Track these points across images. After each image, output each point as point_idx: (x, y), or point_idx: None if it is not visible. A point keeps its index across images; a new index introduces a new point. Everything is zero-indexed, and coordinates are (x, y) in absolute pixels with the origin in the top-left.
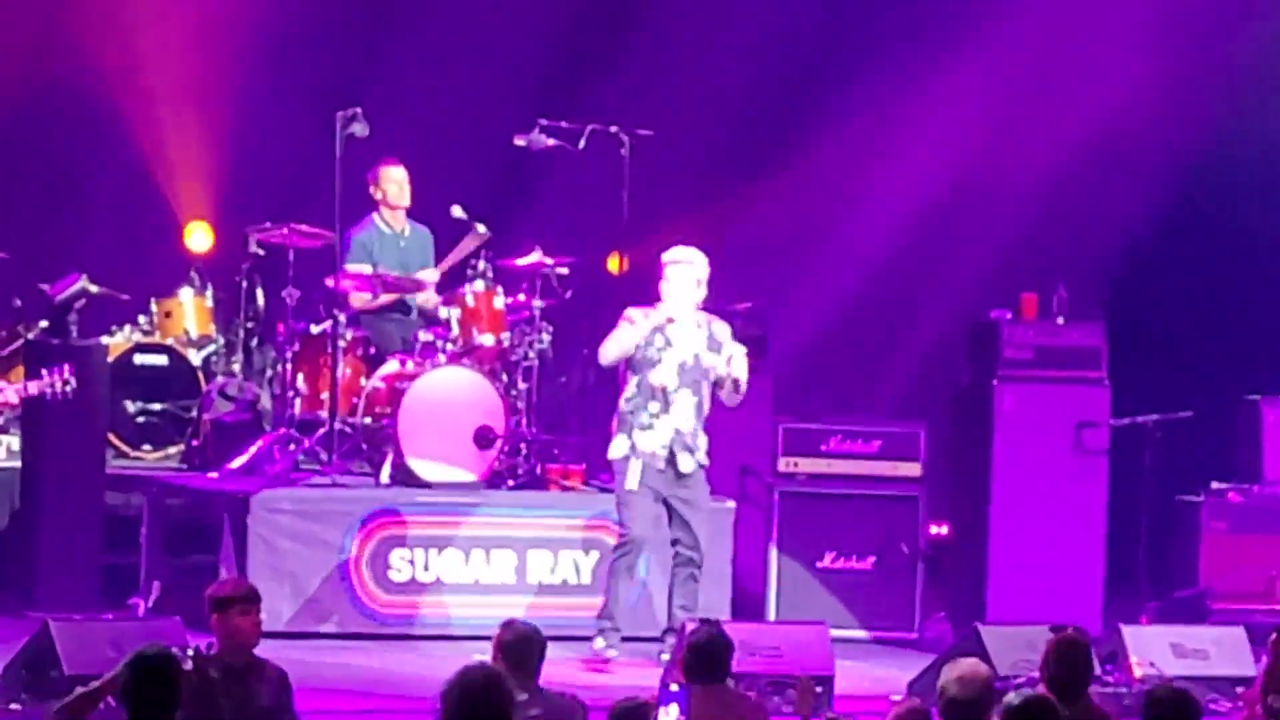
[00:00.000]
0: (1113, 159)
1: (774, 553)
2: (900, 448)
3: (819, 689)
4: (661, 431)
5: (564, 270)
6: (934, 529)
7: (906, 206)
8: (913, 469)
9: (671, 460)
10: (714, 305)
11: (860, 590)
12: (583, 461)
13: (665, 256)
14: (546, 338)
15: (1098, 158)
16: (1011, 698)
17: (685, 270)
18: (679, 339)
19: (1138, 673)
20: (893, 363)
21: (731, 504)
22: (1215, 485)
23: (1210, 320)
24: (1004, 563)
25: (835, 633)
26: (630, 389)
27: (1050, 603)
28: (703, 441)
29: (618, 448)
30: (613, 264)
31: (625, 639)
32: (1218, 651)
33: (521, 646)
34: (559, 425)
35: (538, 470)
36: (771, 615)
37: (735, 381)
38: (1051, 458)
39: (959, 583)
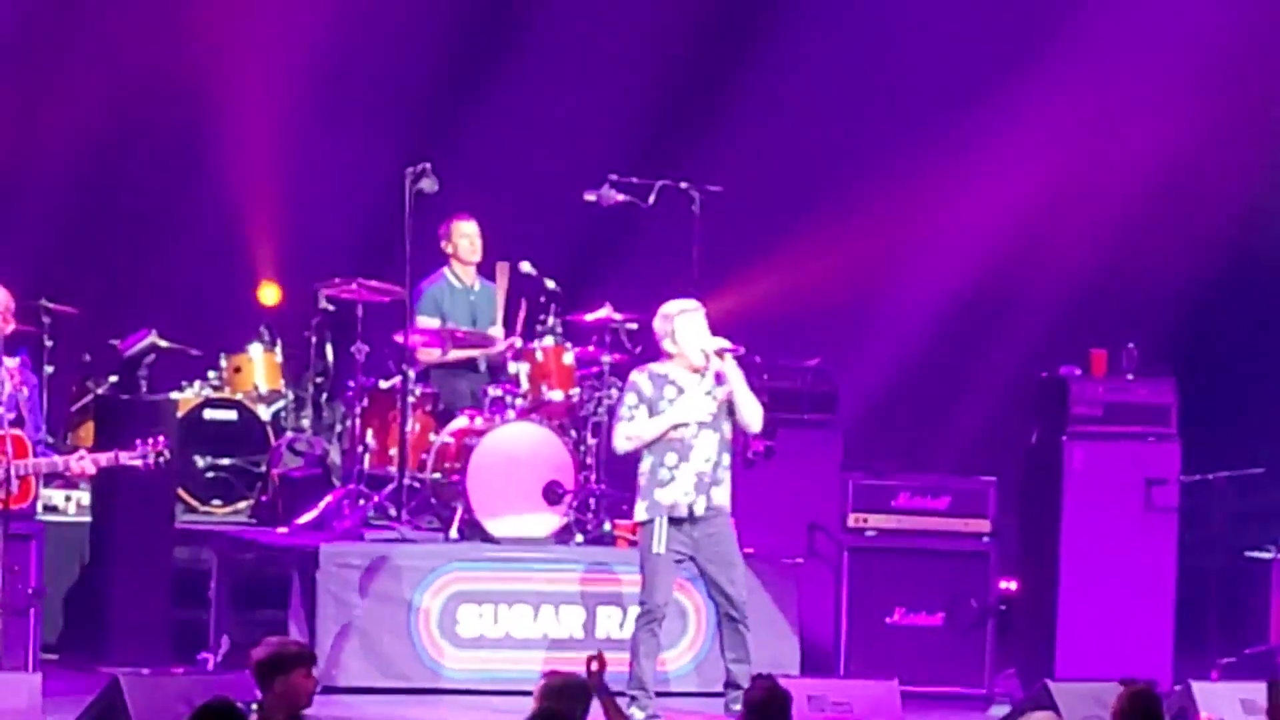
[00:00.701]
0: (1179, 210)
1: (844, 608)
2: (970, 504)
3: None
4: (682, 481)
5: (634, 326)
6: (1004, 585)
7: (973, 260)
8: (982, 525)
9: (691, 508)
10: (783, 362)
11: (930, 646)
12: None
13: (671, 309)
14: (615, 393)
15: (1164, 209)
16: None
17: (699, 317)
18: (690, 385)
19: None
20: (961, 419)
21: (799, 560)
22: None
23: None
24: (1073, 619)
25: (905, 688)
26: (645, 451)
27: (1120, 659)
28: (725, 478)
29: (639, 511)
30: None
31: (692, 694)
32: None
33: (564, 697)
34: (628, 481)
35: (607, 526)
36: (841, 671)
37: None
38: (1121, 514)
39: (1029, 639)
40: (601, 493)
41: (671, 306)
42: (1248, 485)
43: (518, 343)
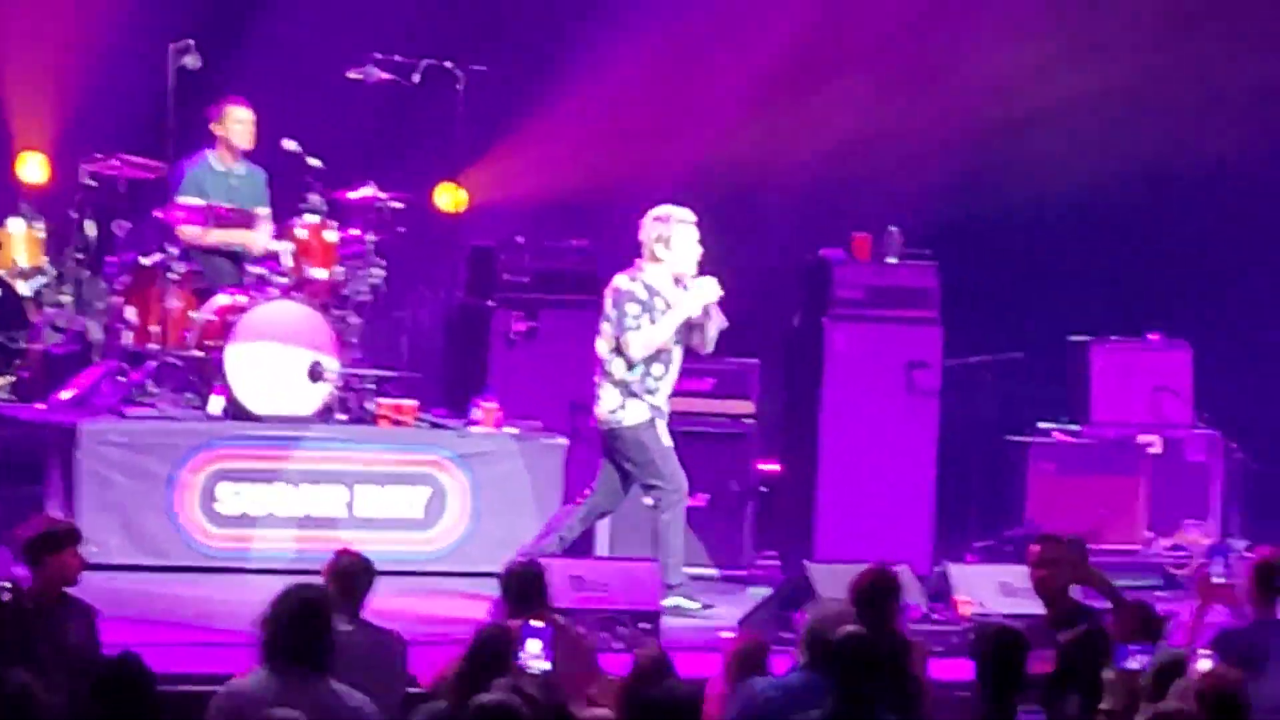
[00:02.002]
0: (938, 95)
1: None
2: (732, 386)
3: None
4: (665, 389)
5: (398, 205)
6: (765, 467)
7: (736, 140)
8: (745, 406)
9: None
10: (546, 242)
11: (691, 528)
12: (414, 398)
13: (675, 214)
14: (380, 273)
15: (922, 94)
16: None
17: (693, 230)
18: (677, 299)
19: (964, 611)
20: (726, 302)
21: (564, 440)
22: (1043, 426)
23: (1041, 262)
24: (833, 501)
25: None
26: (622, 357)
27: (879, 541)
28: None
29: (636, 413)
30: (446, 198)
31: (453, 574)
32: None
33: (351, 576)
34: (391, 361)
35: (369, 405)
36: (602, 551)
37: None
38: (882, 397)
39: (789, 521)
40: (364, 372)
41: (672, 211)
42: (1007, 370)
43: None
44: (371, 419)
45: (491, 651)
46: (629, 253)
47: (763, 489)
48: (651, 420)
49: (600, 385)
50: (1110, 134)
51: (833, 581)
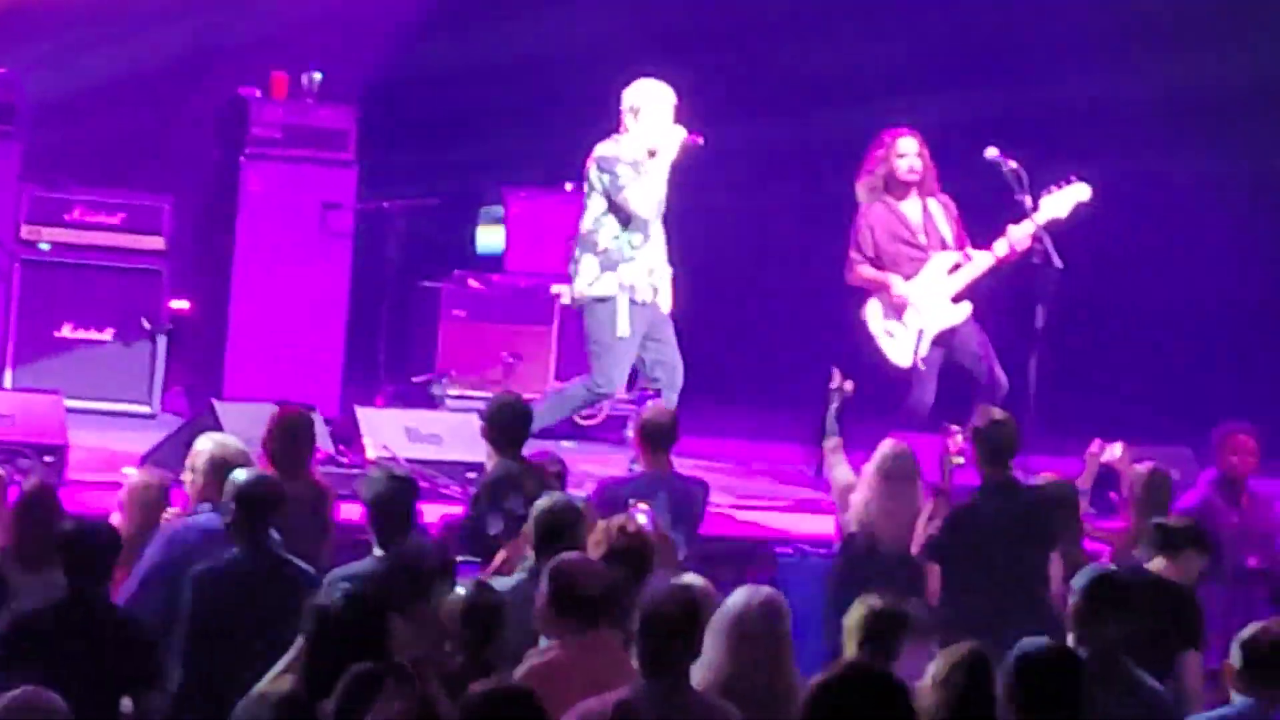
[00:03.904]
0: None
1: (13, 322)
2: (145, 221)
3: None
4: (641, 264)
5: None
6: (176, 304)
7: None
8: (156, 243)
9: (655, 294)
10: None
11: (99, 362)
12: None
13: (654, 89)
14: None
15: None
16: None
17: (670, 105)
18: (655, 171)
19: (371, 454)
20: (145, 137)
21: None
22: (457, 273)
23: (463, 111)
24: (244, 340)
25: (71, 404)
26: (607, 223)
27: (289, 383)
28: (665, 284)
29: (602, 285)
30: None
31: None
32: (450, 436)
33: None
34: None
35: None
36: (7, 384)
37: None
38: (297, 238)
39: (198, 358)
40: None
41: (644, 85)
42: (422, 215)
43: None
44: None
45: None
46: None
47: (171, 326)
48: (610, 299)
49: (579, 260)
50: None
51: (241, 420)
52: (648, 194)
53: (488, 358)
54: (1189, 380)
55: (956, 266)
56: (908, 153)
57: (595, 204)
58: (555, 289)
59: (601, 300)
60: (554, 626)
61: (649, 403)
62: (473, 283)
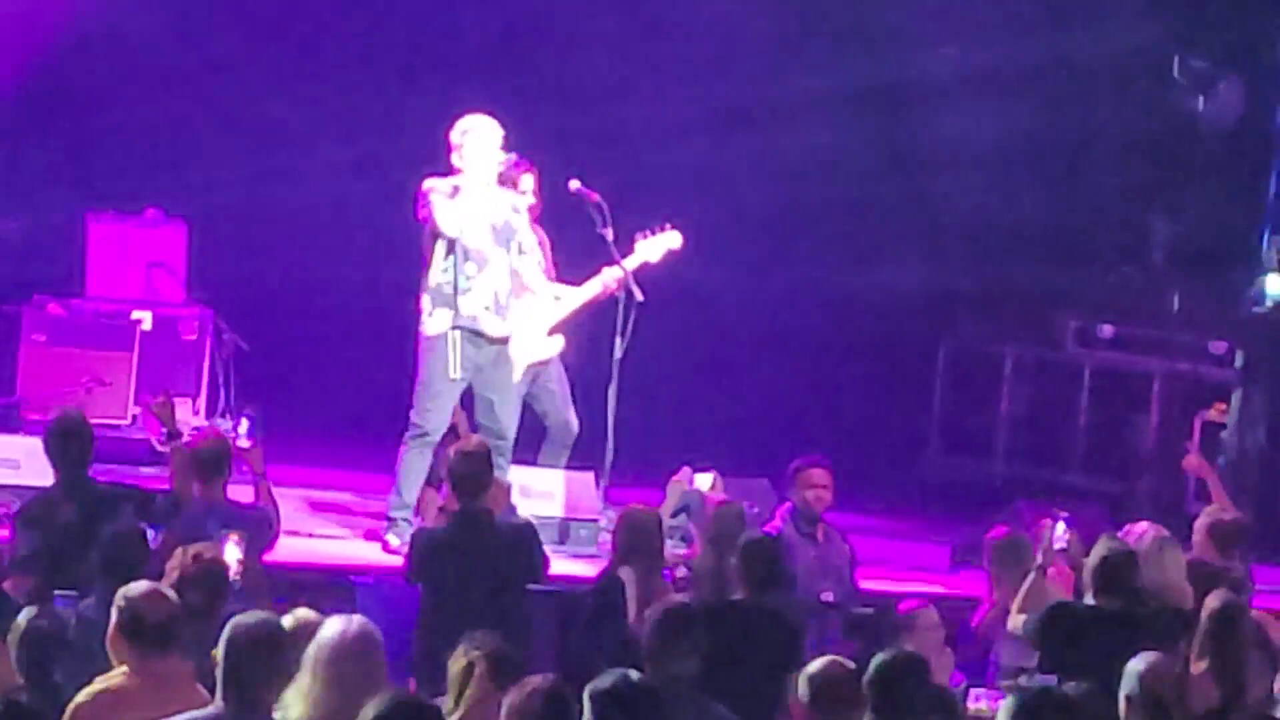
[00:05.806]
0: None
1: None
2: None
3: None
4: (478, 296)
5: None
6: None
7: None
8: None
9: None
10: None
11: None
12: None
13: (476, 121)
14: None
15: None
16: None
17: (492, 136)
18: (486, 200)
19: None
20: None
21: None
22: (37, 297)
23: (49, 132)
24: None
25: None
26: (436, 257)
27: None
28: (515, 309)
29: (434, 323)
30: None
31: None
32: (28, 461)
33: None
34: None
35: None
36: None
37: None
38: None
39: None
40: None
41: (469, 121)
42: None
43: None
44: None
45: None
46: None
47: None
48: (443, 335)
49: (420, 298)
50: None
51: None
52: (460, 215)
53: (68, 382)
54: (767, 414)
55: (556, 299)
56: (527, 190)
57: (425, 240)
58: (135, 314)
59: (433, 338)
60: (123, 653)
61: (197, 432)
62: (53, 307)
